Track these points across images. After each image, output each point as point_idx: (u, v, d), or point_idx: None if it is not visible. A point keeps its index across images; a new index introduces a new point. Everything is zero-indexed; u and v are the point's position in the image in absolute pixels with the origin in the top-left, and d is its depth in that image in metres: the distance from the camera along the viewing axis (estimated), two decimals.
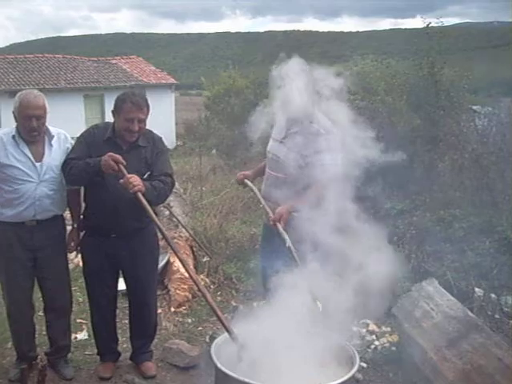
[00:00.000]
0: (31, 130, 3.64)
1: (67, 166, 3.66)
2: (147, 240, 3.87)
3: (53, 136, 3.80)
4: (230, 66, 23.01)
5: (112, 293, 4.02)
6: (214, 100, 20.88)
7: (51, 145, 3.78)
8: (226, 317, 3.29)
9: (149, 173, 3.69)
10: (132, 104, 3.61)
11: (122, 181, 3.40)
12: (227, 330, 2.98)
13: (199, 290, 3.48)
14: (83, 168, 3.57)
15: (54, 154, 3.77)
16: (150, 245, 3.90)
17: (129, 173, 3.48)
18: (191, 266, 5.77)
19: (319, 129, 3.66)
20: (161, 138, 3.91)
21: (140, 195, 3.39)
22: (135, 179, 3.40)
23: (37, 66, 27.75)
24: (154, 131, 3.93)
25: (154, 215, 3.45)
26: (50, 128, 3.82)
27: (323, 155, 3.58)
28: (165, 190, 3.71)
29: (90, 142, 3.71)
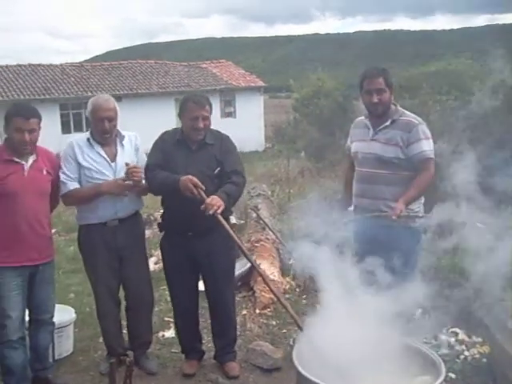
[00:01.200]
0: (104, 131, 3.83)
1: (148, 174, 3.80)
2: (223, 239, 3.89)
3: (123, 137, 3.98)
4: (319, 68, 22.92)
5: (193, 292, 4.08)
6: (302, 102, 20.87)
7: (122, 145, 3.96)
8: (309, 320, 3.23)
9: (219, 169, 3.78)
10: (194, 103, 3.76)
11: (202, 207, 3.50)
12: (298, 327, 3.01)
13: (275, 296, 3.49)
14: (163, 182, 3.71)
15: (126, 153, 3.94)
16: (225, 244, 3.92)
17: (199, 169, 3.67)
18: (277, 269, 5.79)
19: (412, 119, 3.80)
20: (228, 136, 3.99)
21: (219, 216, 3.49)
22: (215, 201, 3.51)
23: (130, 72, 28.79)
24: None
25: (232, 233, 3.54)
26: (121, 131, 3.99)
27: (422, 143, 3.73)
28: (238, 191, 3.82)
29: (163, 147, 3.86)
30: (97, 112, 3.81)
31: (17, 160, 3.58)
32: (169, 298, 5.43)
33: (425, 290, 3.01)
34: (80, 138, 3.95)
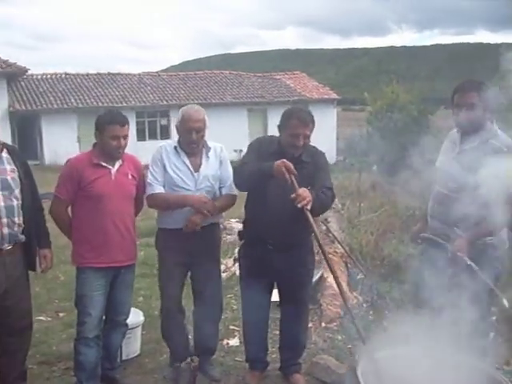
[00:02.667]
0: (191, 142, 3.87)
1: (240, 168, 3.79)
2: (304, 255, 3.88)
3: (210, 148, 4.01)
4: (394, 81, 22.60)
5: (266, 302, 4.07)
6: (376, 115, 20.63)
7: (208, 156, 3.99)
8: (375, 336, 3.19)
9: (309, 188, 3.72)
10: (298, 120, 3.68)
11: (292, 196, 3.41)
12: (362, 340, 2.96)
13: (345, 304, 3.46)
14: (255, 170, 3.65)
15: (210, 165, 3.97)
16: (306, 260, 3.91)
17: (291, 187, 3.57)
18: (344, 283, 5.71)
19: (501, 146, 3.42)
20: (323, 153, 3.93)
21: (307, 211, 3.41)
22: (306, 193, 3.42)
23: (205, 82, 29.32)
24: (315, 145, 3.94)
25: (316, 230, 3.47)
26: (208, 142, 4.02)
27: None
28: (327, 201, 3.74)
29: (259, 152, 3.81)
30: (186, 122, 3.85)
31: (104, 164, 3.72)
32: (235, 307, 5.52)
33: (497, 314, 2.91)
34: (168, 144, 4.01)
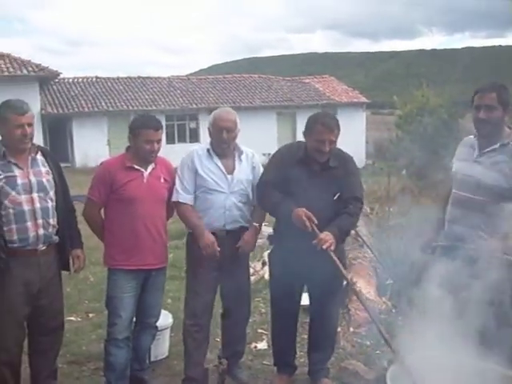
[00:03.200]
0: (222, 141, 3.87)
1: (261, 191, 3.84)
2: (339, 254, 3.86)
3: (242, 151, 4.02)
4: (424, 85, 22.37)
5: (295, 306, 4.07)
6: (405, 119, 20.43)
7: (240, 160, 4.00)
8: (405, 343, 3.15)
9: (338, 194, 3.71)
10: (323, 126, 3.66)
11: (314, 241, 3.47)
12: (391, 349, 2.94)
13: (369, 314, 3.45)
14: (276, 207, 3.73)
15: (243, 169, 3.98)
16: (341, 258, 3.89)
17: (319, 194, 3.61)
18: (373, 288, 5.68)
19: None
20: (352, 157, 3.91)
21: (331, 252, 3.46)
22: (327, 237, 3.47)
23: (234, 86, 29.44)
24: (344, 149, 3.92)
25: (344, 271, 3.53)
26: (240, 145, 4.05)
27: None
28: (352, 223, 3.76)
29: (282, 164, 3.81)
30: (217, 122, 3.88)
31: (137, 167, 3.76)
32: (263, 310, 5.52)
33: None
34: (200, 147, 4.02)
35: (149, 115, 4.00)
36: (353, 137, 27.05)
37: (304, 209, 3.54)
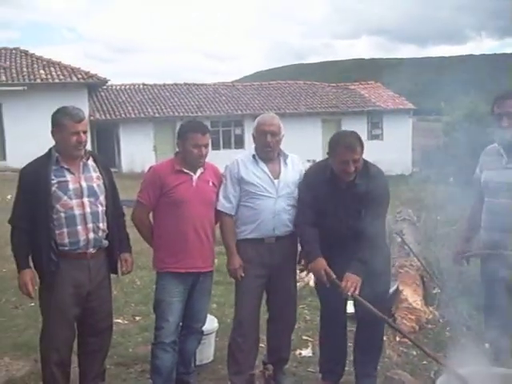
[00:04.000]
0: (266, 145, 3.90)
1: (297, 216, 3.92)
2: (377, 262, 3.83)
3: (287, 156, 4.05)
4: (473, 91, 21.94)
5: (342, 314, 4.06)
6: (453, 126, 20.09)
7: (286, 163, 4.02)
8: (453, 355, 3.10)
9: (364, 211, 3.71)
10: (345, 147, 3.64)
11: (339, 290, 3.58)
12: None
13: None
14: (304, 241, 3.91)
15: (289, 172, 4.00)
16: (380, 267, 3.86)
17: (346, 211, 3.69)
18: (420, 297, 5.59)
19: None
20: (380, 172, 3.86)
21: (358, 297, 3.56)
22: (350, 283, 3.56)
23: (279, 92, 29.47)
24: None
25: (375, 310, 3.55)
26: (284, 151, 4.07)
27: None
28: (375, 258, 3.70)
29: (312, 184, 3.86)
30: (260, 126, 3.93)
31: (186, 171, 3.82)
32: (308, 317, 5.50)
33: None
34: (245, 155, 4.06)
35: (196, 120, 4.06)
36: (399, 144, 26.81)
37: (324, 263, 3.66)
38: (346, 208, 3.71)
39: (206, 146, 3.81)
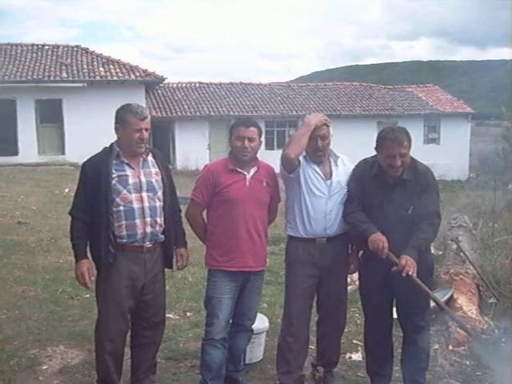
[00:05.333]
0: (317, 149, 3.90)
1: (348, 205, 3.89)
2: (423, 267, 3.76)
3: (338, 157, 4.05)
4: None
5: (386, 318, 4.00)
6: None
7: (337, 165, 4.01)
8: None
9: (412, 208, 3.66)
10: (391, 141, 3.62)
11: (394, 269, 3.53)
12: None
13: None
14: (355, 225, 3.80)
15: (340, 173, 3.99)
16: (424, 271, 3.78)
17: (394, 208, 3.66)
18: (475, 306, 5.45)
19: None
20: (428, 169, 3.82)
21: (414, 277, 3.49)
22: (409, 262, 3.49)
23: (335, 93, 29.27)
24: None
25: (428, 291, 3.53)
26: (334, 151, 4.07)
27: None
28: (429, 239, 3.72)
29: (360, 177, 3.86)
30: (315, 130, 3.89)
31: (240, 170, 3.84)
32: (358, 321, 5.44)
33: None
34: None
35: (247, 116, 4.07)
36: (456, 148, 26.23)
37: (382, 237, 3.61)
38: (394, 204, 3.69)
39: (251, 139, 3.79)
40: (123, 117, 3.57)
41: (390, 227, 3.65)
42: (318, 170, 3.95)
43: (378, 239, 3.59)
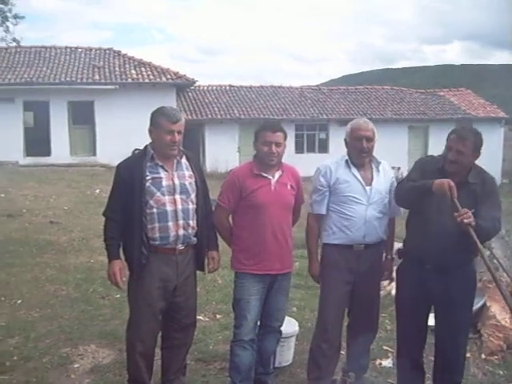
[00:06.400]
0: (361, 150, 3.87)
1: (401, 183, 3.78)
2: (465, 278, 3.70)
3: (379, 163, 4.01)
4: None
5: (421, 325, 3.91)
6: None
7: (378, 171, 3.98)
8: None
9: (473, 210, 3.55)
10: (456, 135, 3.58)
11: (456, 214, 3.33)
12: None
13: None
14: (414, 186, 3.61)
15: (381, 179, 3.96)
16: (467, 283, 3.73)
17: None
18: (509, 315, 5.35)
19: None
20: (493, 179, 3.76)
21: (470, 228, 3.31)
22: (468, 214, 3.33)
23: (366, 97, 29.08)
24: (479, 165, 3.76)
25: (483, 250, 3.35)
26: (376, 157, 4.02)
27: None
28: (490, 232, 3.56)
29: (424, 169, 3.75)
30: (356, 131, 3.90)
31: (265, 175, 3.84)
32: (388, 327, 5.40)
33: None
34: (336, 160, 4.02)
35: (272, 120, 4.06)
36: (488, 153, 25.69)
37: (449, 180, 3.42)
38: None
39: (278, 144, 3.79)
40: (156, 119, 3.62)
41: (446, 225, 3.49)
42: (358, 175, 3.92)
43: (442, 182, 3.42)
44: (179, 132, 3.62)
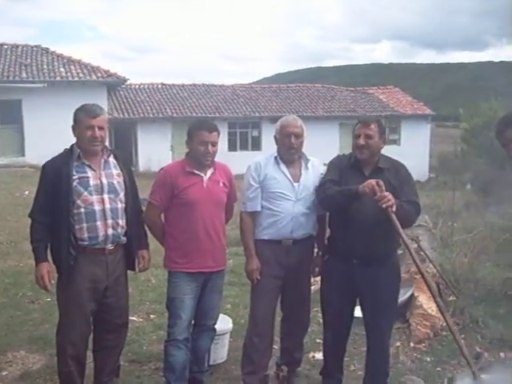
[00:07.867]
0: (290, 147, 3.93)
1: (323, 186, 3.82)
2: (389, 269, 3.82)
3: (308, 160, 4.06)
4: (492, 98, 21.82)
5: (346, 318, 4.00)
6: (471, 133, 19.97)
7: (307, 167, 4.03)
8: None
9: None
10: (362, 123, 3.77)
11: (376, 196, 3.41)
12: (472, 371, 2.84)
13: (447, 324, 3.36)
14: (339, 192, 3.67)
15: (310, 176, 4.01)
16: (391, 275, 3.85)
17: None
18: (435, 304, 5.55)
19: None
20: (403, 165, 3.88)
21: (390, 212, 3.39)
22: (390, 196, 3.41)
23: (297, 95, 29.46)
24: (407, 162, 3.90)
25: (402, 232, 3.41)
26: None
27: None
28: (412, 213, 3.66)
29: (340, 168, 3.86)
30: (285, 128, 3.94)
31: (197, 172, 3.83)
32: (321, 320, 5.46)
33: None
34: (266, 156, 4.06)
35: (206, 119, 4.07)
36: (416, 149, 26.64)
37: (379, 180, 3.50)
38: None
39: (214, 143, 3.80)
40: (76, 116, 3.57)
41: (368, 221, 3.61)
42: (286, 172, 3.97)
43: (369, 182, 3.47)
44: (100, 127, 3.56)
